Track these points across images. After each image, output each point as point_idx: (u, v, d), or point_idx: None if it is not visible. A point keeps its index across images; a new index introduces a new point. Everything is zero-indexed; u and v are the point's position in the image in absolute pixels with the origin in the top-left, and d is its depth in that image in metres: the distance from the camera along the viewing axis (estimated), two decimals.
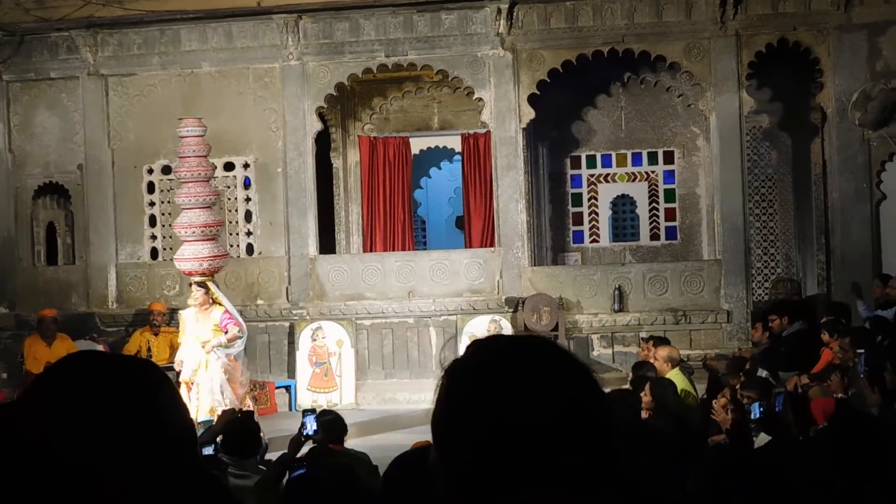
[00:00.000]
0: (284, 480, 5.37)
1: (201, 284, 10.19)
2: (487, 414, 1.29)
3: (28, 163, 13.62)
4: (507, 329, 12.53)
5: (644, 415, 6.70)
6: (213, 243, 10.43)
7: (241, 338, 10.28)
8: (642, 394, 7.04)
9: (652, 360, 8.87)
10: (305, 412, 6.27)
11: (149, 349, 11.88)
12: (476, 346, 1.41)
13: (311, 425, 6.03)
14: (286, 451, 5.84)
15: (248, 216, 13.36)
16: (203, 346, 9.98)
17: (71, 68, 13.48)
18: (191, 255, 10.26)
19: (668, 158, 14.87)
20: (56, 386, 1.32)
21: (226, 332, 10.09)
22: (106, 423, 1.28)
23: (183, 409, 1.40)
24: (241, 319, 10.46)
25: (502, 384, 1.31)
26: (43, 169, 13.64)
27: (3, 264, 13.55)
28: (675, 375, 8.52)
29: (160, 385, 1.36)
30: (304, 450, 6.04)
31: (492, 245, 13.69)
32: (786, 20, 12.48)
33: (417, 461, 2.86)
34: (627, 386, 9.05)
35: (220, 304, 10.26)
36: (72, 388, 1.31)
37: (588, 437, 1.28)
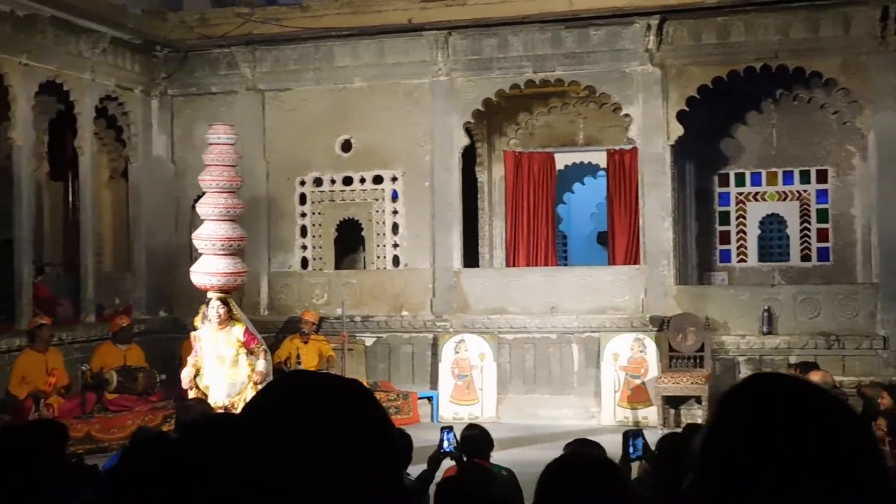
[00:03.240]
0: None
1: (224, 301, 9.69)
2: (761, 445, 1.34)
3: (188, 173, 14.19)
4: (651, 348, 12.39)
5: None
6: (232, 259, 9.88)
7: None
8: None
9: None
10: (444, 429, 6.31)
11: (298, 356, 12.20)
12: (759, 380, 1.46)
13: (450, 442, 6.06)
14: (426, 466, 5.90)
15: (394, 228, 13.61)
16: (252, 378, 9.54)
17: (230, 83, 14.04)
18: (208, 269, 9.72)
19: (822, 177, 14.42)
20: (283, 402, 1.39)
21: (250, 352, 9.65)
22: (332, 438, 1.34)
23: (393, 427, 1.47)
24: (259, 337, 10.24)
25: (779, 421, 1.36)
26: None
27: (163, 270, 14.16)
28: None
29: (375, 402, 1.44)
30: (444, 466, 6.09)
31: (636, 262, 13.57)
32: None
33: (572, 470, 2.86)
34: None
35: (238, 321, 9.82)
36: (300, 405, 1.38)
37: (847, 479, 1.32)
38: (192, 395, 9.53)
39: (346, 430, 1.35)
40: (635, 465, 5.61)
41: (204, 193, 14.04)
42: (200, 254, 10.11)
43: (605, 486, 2.57)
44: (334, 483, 1.32)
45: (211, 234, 9.78)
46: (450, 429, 6.37)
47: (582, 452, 2.82)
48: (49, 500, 4.11)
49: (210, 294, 9.70)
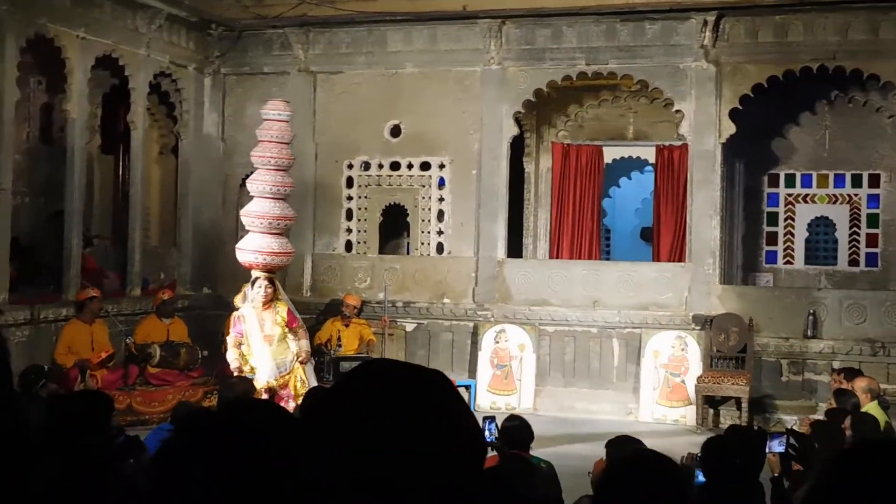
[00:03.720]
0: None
1: (271, 280, 9.52)
2: None
3: (237, 152, 14.28)
4: (692, 347, 12.30)
5: None
6: (280, 238, 9.69)
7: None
8: (843, 426, 6.79)
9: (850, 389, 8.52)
10: (486, 419, 6.30)
11: (339, 339, 12.26)
12: None
13: (491, 433, 6.06)
14: None
15: (440, 215, 13.61)
16: (299, 357, 9.49)
17: (283, 64, 14.09)
18: (255, 246, 9.52)
19: (874, 182, 14.22)
20: (370, 390, 1.39)
21: (292, 332, 9.54)
22: (421, 426, 1.34)
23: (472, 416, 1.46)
24: (299, 317, 10.19)
25: None
26: (251, 159, 14.25)
27: (208, 247, 14.28)
28: (874, 409, 8.17)
29: (456, 393, 1.44)
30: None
31: (680, 259, 13.47)
32: None
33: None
34: (821, 416, 8.74)
35: (281, 301, 9.70)
36: (389, 393, 1.38)
37: None
38: (263, 378, 9.33)
39: (434, 423, 1.35)
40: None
41: (254, 171, 14.24)
42: (247, 231, 10.04)
43: (672, 490, 2.56)
44: (422, 475, 1.32)
45: (260, 211, 9.61)
46: (492, 419, 6.38)
47: (649, 452, 2.80)
48: (94, 467, 4.18)
49: (255, 272, 9.54)
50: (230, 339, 9.44)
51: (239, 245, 9.78)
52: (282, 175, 9.67)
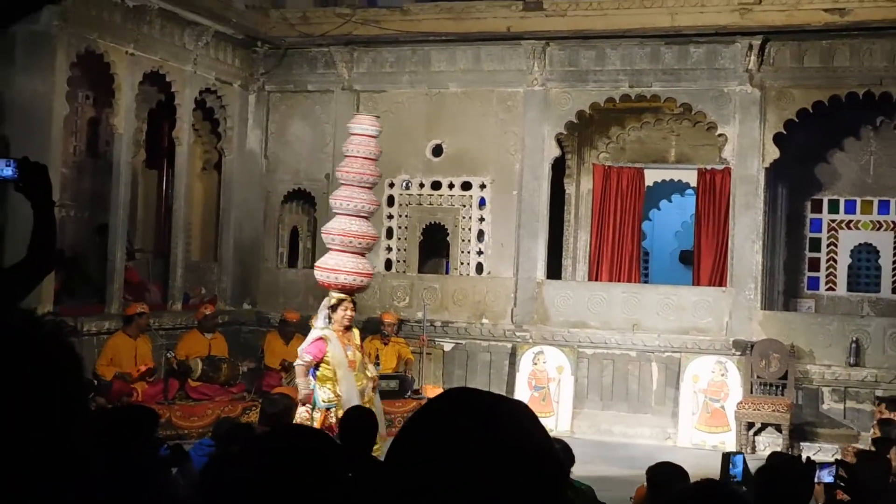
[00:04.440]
0: None
1: (354, 302, 8.96)
2: None
3: (280, 169, 14.40)
4: (732, 372, 12.20)
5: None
6: (362, 258, 9.20)
7: None
8: (889, 456, 6.69)
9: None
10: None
11: (377, 357, 12.27)
12: None
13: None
14: None
15: (480, 235, 13.62)
16: (373, 380, 8.97)
17: (327, 82, 14.20)
18: (336, 265, 8.99)
19: None
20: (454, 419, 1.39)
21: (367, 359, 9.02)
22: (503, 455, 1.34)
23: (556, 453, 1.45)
24: None
25: None
26: (293, 175, 14.41)
27: (249, 263, 14.38)
28: None
29: (538, 422, 1.43)
30: None
31: (720, 284, 13.38)
32: None
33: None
34: (868, 446, 8.63)
35: (354, 326, 9.10)
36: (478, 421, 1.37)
37: None
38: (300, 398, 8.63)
39: (519, 453, 1.35)
40: None
41: (295, 189, 14.36)
42: (327, 249, 9.37)
43: None
44: None
45: (342, 229, 9.06)
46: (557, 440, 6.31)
47: (711, 484, 2.77)
48: (140, 479, 4.22)
49: (334, 294, 8.88)
50: (301, 363, 8.61)
51: (319, 263, 9.29)
52: (366, 192, 9.17)
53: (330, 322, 8.68)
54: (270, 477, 2.00)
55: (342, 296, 8.79)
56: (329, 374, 8.57)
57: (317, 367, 8.57)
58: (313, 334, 8.69)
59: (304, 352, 8.59)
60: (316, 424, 8.20)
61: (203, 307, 12.58)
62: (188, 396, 11.49)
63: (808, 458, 4.60)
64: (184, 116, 13.23)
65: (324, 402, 8.50)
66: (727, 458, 5.79)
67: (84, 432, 1.53)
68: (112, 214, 12.25)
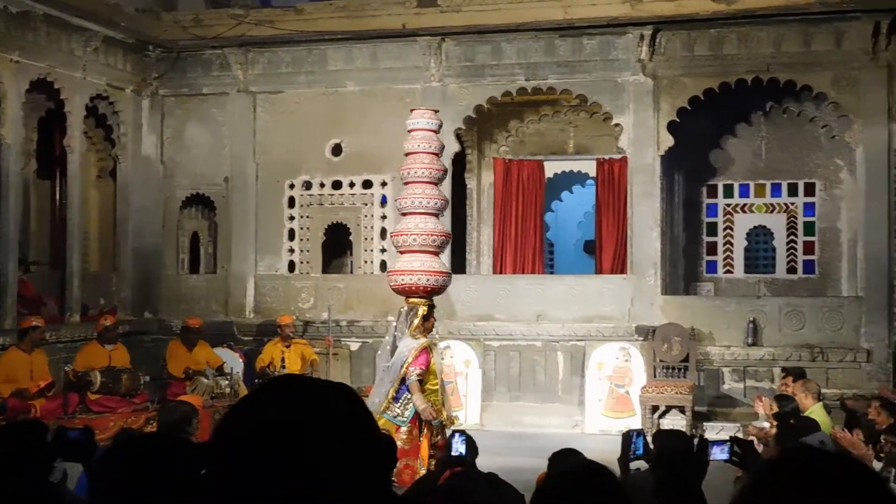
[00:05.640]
0: None
1: (433, 306, 8.49)
2: None
3: (177, 174, 14.18)
4: (636, 358, 12.41)
5: None
6: (437, 257, 8.68)
7: None
8: (770, 428, 6.88)
9: (792, 394, 8.65)
10: (455, 432, 6.21)
11: (282, 360, 12.16)
12: None
13: (460, 447, 5.99)
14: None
15: (383, 233, 13.60)
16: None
17: (222, 84, 14.02)
18: (415, 266, 8.43)
19: (809, 190, 14.49)
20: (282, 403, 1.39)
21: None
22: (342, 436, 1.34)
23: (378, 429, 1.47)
24: None
25: None
26: (191, 180, 14.19)
27: (150, 271, 14.13)
28: (818, 411, 8.30)
29: (363, 404, 1.44)
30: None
31: (622, 271, 13.60)
32: None
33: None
34: (764, 423, 8.85)
35: None
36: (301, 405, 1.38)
37: None
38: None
39: (336, 432, 1.35)
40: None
41: (194, 194, 14.15)
42: (399, 252, 8.81)
43: (604, 495, 2.58)
44: (324, 486, 1.32)
45: (415, 228, 8.51)
46: (462, 432, 6.30)
47: (580, 462, 2.82)
48: (32, 493, 4.13)
49: (414, 299, 8.39)
50: (415, 379, 8.03)
51: (394, 268, 8.69)
52: (434, 188, 8.65)
53: (415, 330, 8.23)
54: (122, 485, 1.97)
55: (424, 301, 8.37)
56: (433, 386, 8.20)
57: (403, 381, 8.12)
58: (412, 344, 8.17)
59: (414, 366, 8.08)
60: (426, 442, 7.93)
61: (102, 318, 12.28)
62: (89, 409, 11.20)
63: (701, 435, 4.69)
64: (75, 124, 12.92)
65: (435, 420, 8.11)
66: (628, 437, 5.88)
67: None
68: (3, 227, 11.91)
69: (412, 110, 9.00)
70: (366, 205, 13.66)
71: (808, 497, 1.35)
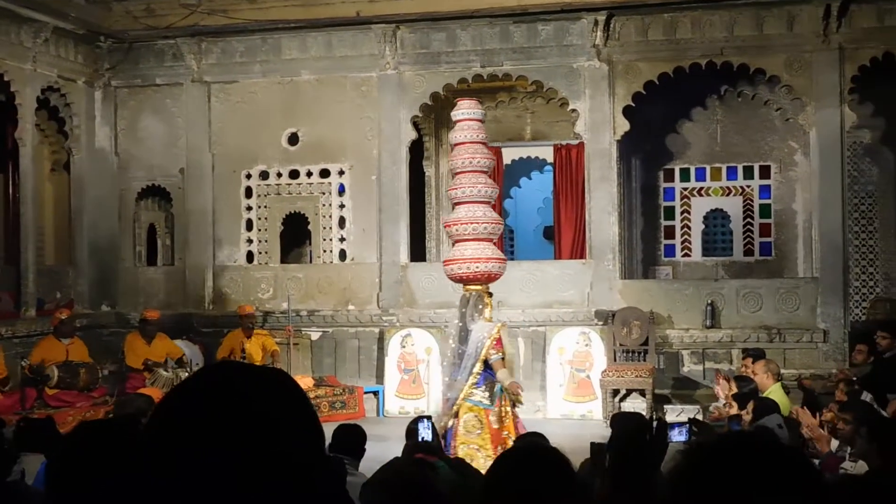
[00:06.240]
0: None
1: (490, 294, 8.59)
2: None
3: (132, 166, 14.04)
4: (596, 342, 12.47)
5: None
6: (491, 244, 8.71)
7: None
8: (744, 412, 6.94)
9: (752, 375, 8.74)
10: (420, 419, 6.19)
11: (242, 351, 12.10)
12: None
13: (425, 433, 5.95)
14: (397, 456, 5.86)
15: (341, 222, 13.55)
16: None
17: (176, 75, 13.88)
18: (471, 255, 8.47)
19: (765, 173, 14.65)
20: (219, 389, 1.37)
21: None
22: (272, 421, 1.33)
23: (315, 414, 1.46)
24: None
25: None
26: (146, 172, 14.05)
27: (106, 264, 13.98)
28: (777, 391, 8.40)
29: (300, 390, 1.43)
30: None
31: (582, 257, 13.66)
32: (892, 34, 12.20)
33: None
34: (722, 403, 8.94)
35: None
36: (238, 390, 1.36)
37: None
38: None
39: (273, 418, 1.34)
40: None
41: (150, 186, 14.01)
42: (453, 242, 8.82)
43: (553, 473, 2.60)
44: (267, 473, 1.31)
45: (470, 217, 8.52)
46: (427, 418, 6.27)
47: (530, 442, 2.85)
48: None
49: (472, 287, 8.47)
50: (499, 358, 8.22)
51: (452, 256, 8.68)
52: (484, 176, 8.68)
53: (490, 314, 8.38)
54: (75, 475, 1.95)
55: (483, 287, 8.47)
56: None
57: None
58: (488, 327, 8.26)
59: (497, 349, 8.21)
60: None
61: (59, 312, 12.15)
62: (47, 405, 11.09)
63: (660, 418, 4.73)
64: (26, 117, 12.73)
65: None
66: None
67: None
68: None
69: (457, 100, 9.00)
70: (323, 194, 13.60)
71: (723, 482, 1.39)
